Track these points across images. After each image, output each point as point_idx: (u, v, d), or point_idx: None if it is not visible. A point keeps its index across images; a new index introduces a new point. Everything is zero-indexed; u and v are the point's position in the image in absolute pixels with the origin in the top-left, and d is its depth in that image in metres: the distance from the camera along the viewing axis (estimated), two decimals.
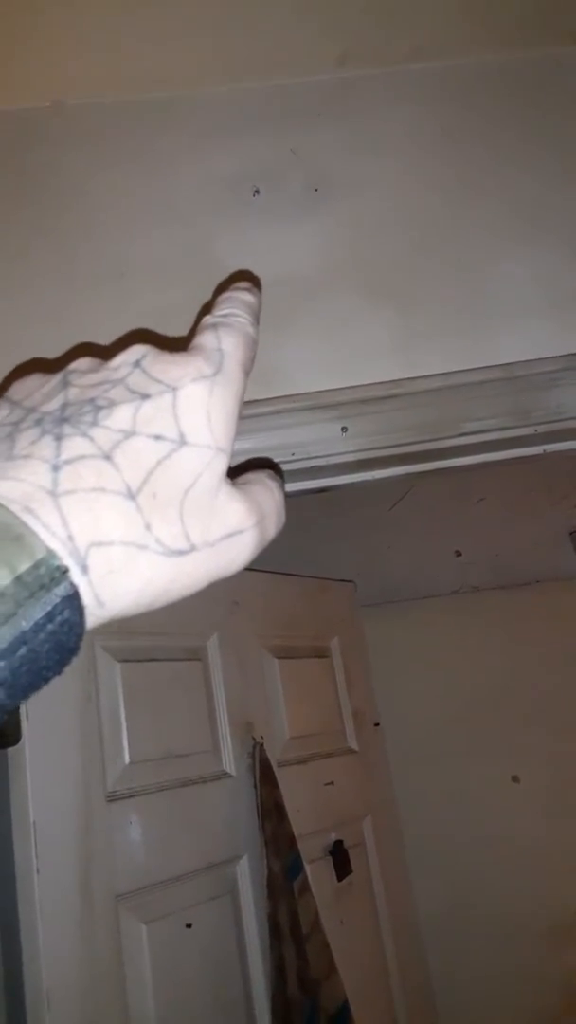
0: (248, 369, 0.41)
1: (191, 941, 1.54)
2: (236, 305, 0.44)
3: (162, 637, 1.67)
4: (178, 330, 1.05)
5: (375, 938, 2.14)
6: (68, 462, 0.32)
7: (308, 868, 1.81)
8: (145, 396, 0.36)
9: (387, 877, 2.24)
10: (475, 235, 1.14)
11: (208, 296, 1.09)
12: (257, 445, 1.06)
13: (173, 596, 0.35)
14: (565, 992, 2.50)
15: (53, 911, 1.27)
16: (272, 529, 0.40)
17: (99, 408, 0.35)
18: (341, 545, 2.53)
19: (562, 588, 2.85)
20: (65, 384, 0.38)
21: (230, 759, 1.79)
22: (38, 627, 0.29)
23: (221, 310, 0.44)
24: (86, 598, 0.31)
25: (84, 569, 0.31)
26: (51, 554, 0.30)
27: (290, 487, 1.14)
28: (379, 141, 1.17)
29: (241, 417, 1.11)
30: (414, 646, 2.84)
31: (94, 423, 0.34)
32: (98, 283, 1.09)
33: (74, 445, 0.33)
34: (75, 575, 0.30)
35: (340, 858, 2.04)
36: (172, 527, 0.34)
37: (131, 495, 0.33)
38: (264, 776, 1.79)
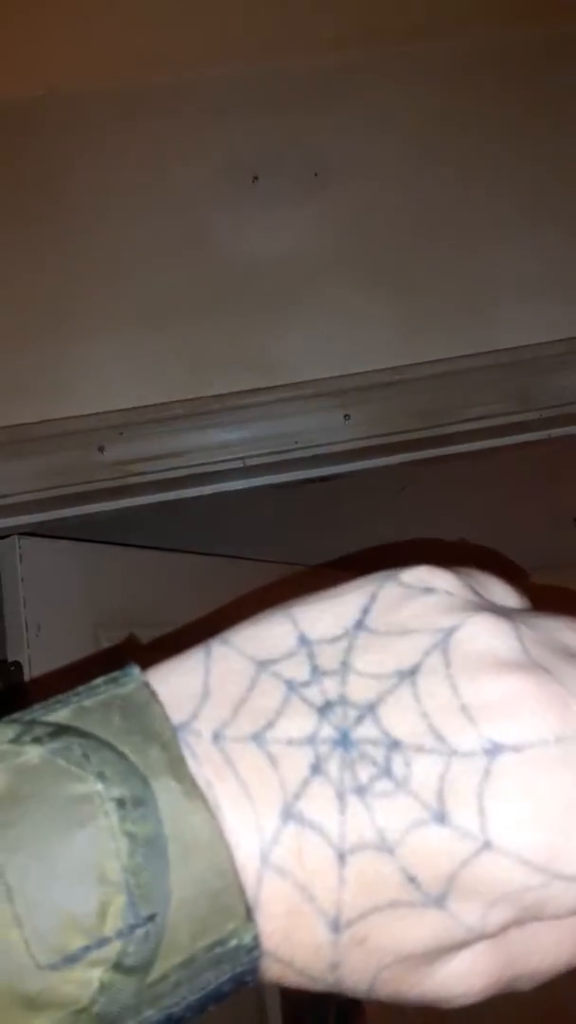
0: None
1: None
2: None
3: (168, 627, 1.67)
4: (172, 318, 1.04)
5: None
6: (353, 852, 0.22)
7: None
8: (454, 751, 0.22)
9: None
10: (477, 218, 1.13)
11: (208, 283, 1.08)
12: (259, 434, 1.05)
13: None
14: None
15: None
16: (521, 988, 0.26)
17: (393, 751, 0.22)
18: (343, 533, 2.52)
19: (567, 574, 2.85)
20: (419, 674, 0.23)
21: None
22: (206, 995, 0.22)
23: None
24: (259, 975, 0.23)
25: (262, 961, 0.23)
26: (252, 942, 0.22)
27: (292, 476, 1.13)
28: (379, 124, 1.16)
29: (241, 407, 1.09)
30: None
31: (364, 802, 0.22)
32: (95, 271, 1.08)
33: (360, 824, 0.22)
34: (256, 956, 0.22)
35: None
36: (364, 976, 0.23)
37: (336, 927, 0.23)
38: None
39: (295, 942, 0.23)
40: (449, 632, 0.23)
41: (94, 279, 1.08)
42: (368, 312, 1.09)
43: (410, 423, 1.06)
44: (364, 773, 0.22)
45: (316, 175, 1.14)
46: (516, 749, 0.22)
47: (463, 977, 0.23)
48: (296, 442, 1.05)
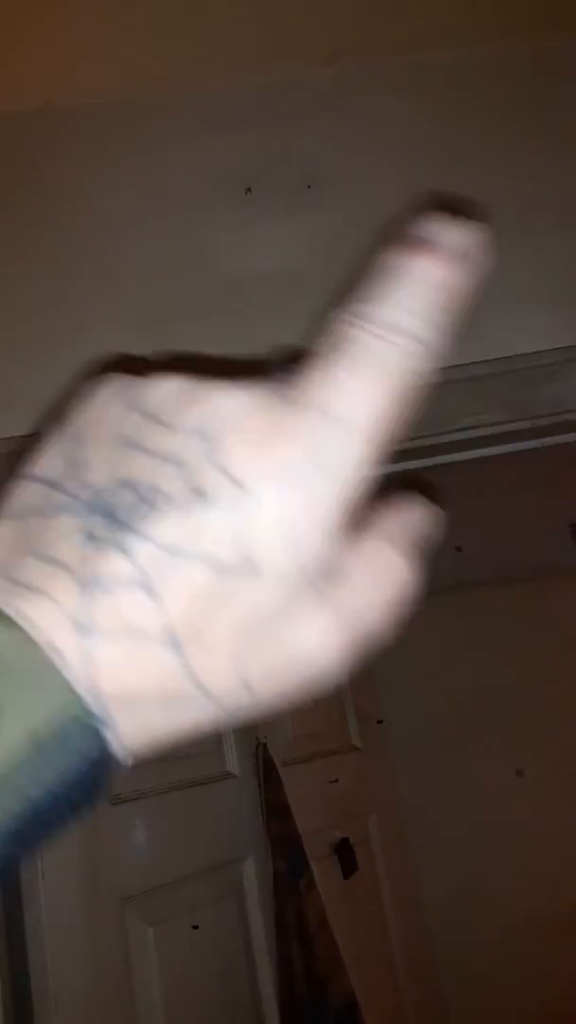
0: (388, 438, 0.27)
1: (198, 942, 1.54)
2: (422, 304, 0.27)
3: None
4: (167, 329, 1.05)
5: (382, 934, 2.14)
6: (99, 584, 0.25)
7: (314, 866, 1.81)
8: (205, 496, 0.25)
9: (393, 873, 2.24)
10: None
11: (202, 295, 1.08)
12: None
13: (229, 726, 0.30)
14: (573, 985, 2.50)
15: (59, 915, 1.27)
16: (376, 639, 0.29)
17: (141, 501, 0.26)
18: None
19: (564, 582, 2.85)
20: (128, 443, 0.28)
21: (233, 759, 1.78)
22: (56, 797, 0.24)
23: (392, 303, 0.27)
24: (113, 754, 0.26)
25: (111, 725, 0.25)
26: (76, 709, 0.24)
27: None
28: (372, 136, 1.17)
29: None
30: (415, 642, 2.83)
31: (133, 528, 0.25)
32: (91, 282, 1.09)
33: (108, 559, 0.25)
34: (100, 731, 0.25)
35: (346, 855, 2.04)
36: (222, 672, 0.26)
37: (173, 639, 0.25)
38: (268, 775, 1.79)
39: (149, 678, 0.25)
40: (220, 426, 0.27)
41: (89, 290, 1.09)
42: None
43: (404, 432, 1.06)
44: (126, 516, 0.26)
45: (309, 187, 1.15)
46: (265, 491, 0.25)
47: (310, 635, 0.26)
48: None
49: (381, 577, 0.28)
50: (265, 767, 1.80)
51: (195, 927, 1.54)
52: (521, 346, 1.08)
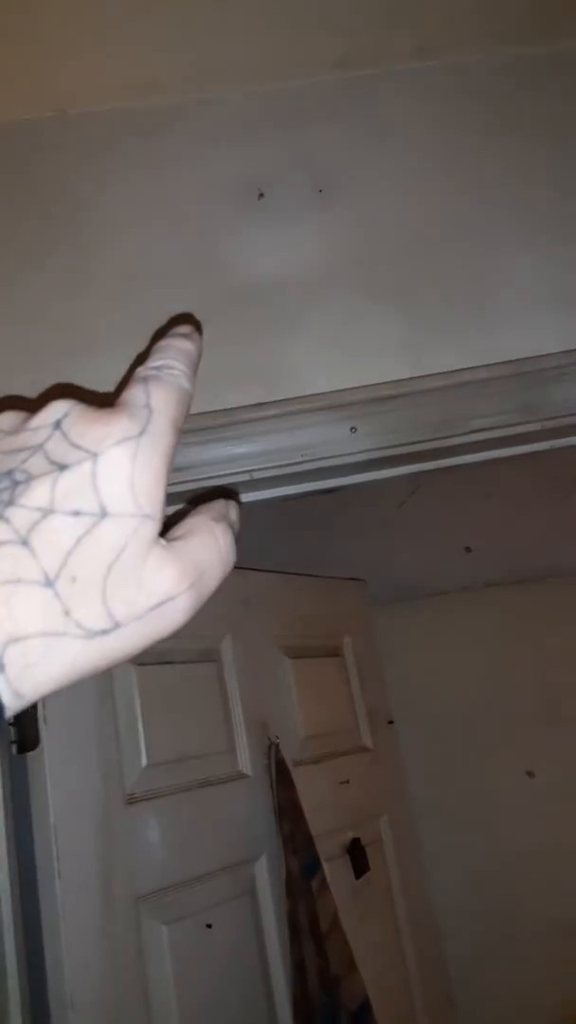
0: (180, 426, 0.38)
1: (211, 941, 1.55)
2: (172, 355, 0.41)
3: (175, 639, 1.68)
4: None
5: (394, 935, 2.15)
6: None
7: (326, 866, 1.82)
8: (63, 466, 0.33)
9: (405, 874, 2.24)
10: (480, 233, 1.15)
11: (215, 301, 1.10)
12: (265, 447, 1.07)
13: (102, 668, 0.34)
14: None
15: (75, 913, 1.28)
16: (213, 582, 0.37)
17: (16, 483, 0.33)
18: (351, 544, 2.53)
19: (573, 582, 2.85)
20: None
21: (246, 759, 1.79)
22: None
23: (155, 360, 0.41)
24: (4, 696, 0.30)
25: (0, 668, 0.30)
26: None
27: (299, 488, 1.15)
28: (383, 141, 1.18)
29: (248, 421, 1.11)
30: (426, 643, 2.84)
31: (10, 502, 0.32)
32: (105, 289, 1.10)
33: None
34: None
35: (358, 856, 2.05)
36: (94, 608, 0.32)
37: (49, 582, 0.31)
38: (280, 776, 1.80)
39: (27, 613, 0.31)
40: (64, 415, 0.36)
41: (103, 296, 1.10)
42: (373, 326, 1.10)
43: (415, 435, 1.07)
44: (8, 495, 0.33)
45: (320, 191, 1.16)
46: (105, 451, 0.34)
47: (164, 579, 0.34)
48: (303, 455, 1.07)
49: (208, 539, 0.37)
50: (278, 767, 1.81)
51: (208, 926, 1.55)
52: (530, 349, 1.09)
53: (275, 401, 1.06)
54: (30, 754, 1.30)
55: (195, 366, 0.42)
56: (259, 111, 1.19)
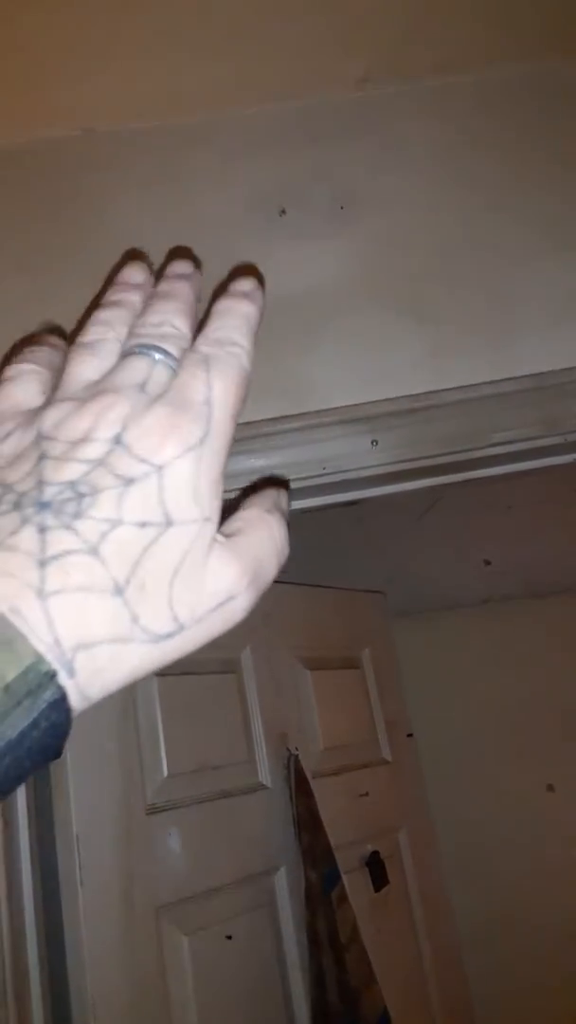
0: (239, 412, 0.38)
1: (231, 952, 1.55)
2: (235, 324, 0.40)
3: (196, 651, 1.69)
4: None
5: (413, 948, 2.14)
6: (55, 558, 0.31)
7: (345, 879, 1.82)
8: (129, 481, 0.34)
9: (424, 887, 2.23)
10: (501, 247, 1.15)
11: None
12: (287, 460, 1.08)
13: (161, 667, 0.34)
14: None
15: (97, 923, 1.29)
16: (271, 575, 0.37)
17: (82, 496, 0.33)
18: (370, 556, 2.54)
19: None
20: (40, 456, 0.35)
21: (266, 771, 1.80)
22: (23, 735, 0.29)
23: (216, 327, 0.40)
24: (73, 699, 0.31)
25: (71, 672, 0.30)
26: (39, 660, 0.30)
27: (320, 500, 1.15)
28: (404, 157, 1.19)
29: (271, 434, 1.12)
30: (445, 656, 2.84)
31: (78, 514, 0.33)
32: None
33: (59, 539, 0.32)
34: (62, 679, 0.30)
35: (377, 869, 2.04)
36: (160, 614, 0.33)
37: (118, 590, 0.32)
38: (300, 787, 1.80)
39: (98, 620, 0.31)
40: (123, 429, 0.36)
41: None
42: (394, 340, 1.11)
43: (437, 448, 1.08)
44: (69, 508, 0.33)
45: (342, 208, 1.17)
46: (170, 464, 0.34)
47: (226, 577, 0.35)
48: (324, 468, 1.08)
49: (264, 532, 0.37)
50: (297, 779, 1.81)
51: (229, 937, 1.55)
52: (551, 362, 1.09)
53: (297, 414, 1.07)
54: (53, 763, 1.31)
55: (256, 331, 0.41)
56: (280, 128, 1.21)
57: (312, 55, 1.17)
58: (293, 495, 1.12)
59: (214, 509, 0.35)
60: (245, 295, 0.42)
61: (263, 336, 1.15)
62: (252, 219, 1.17)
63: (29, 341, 0.44)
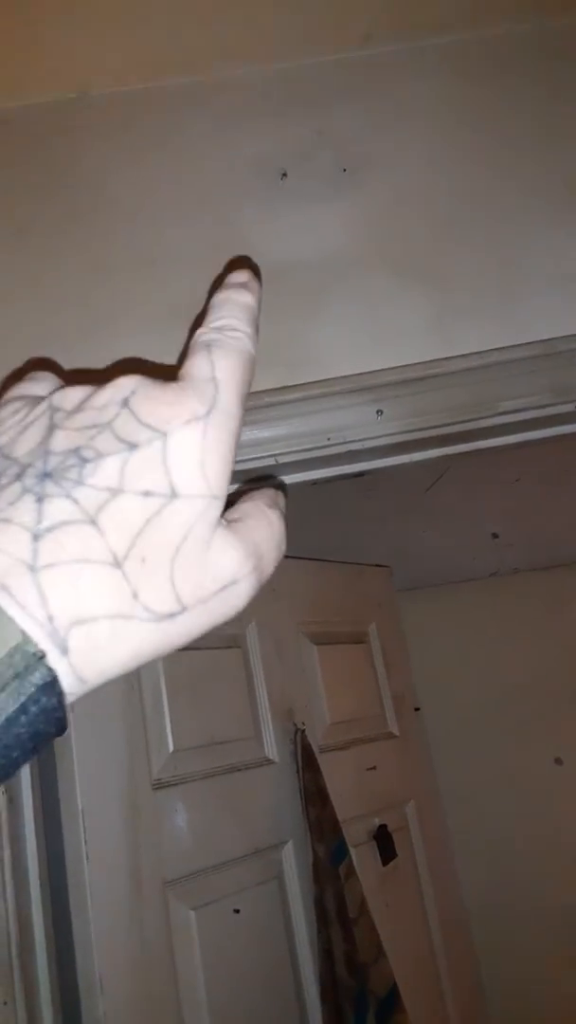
0: (246, 393, 0.37)
1: (239, 926, 1.55)
2: (233, 312, 0.40)
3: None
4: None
5: (421, 921, 2.14)
6: (50, 529, 0.30)
7: (353, 852, 1.81)
8: (133, 446, 0.32)
9: (432, 861, 2.24)
10: (508, 209, 1.12)
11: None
12: (292, 431, 1.05)
13: (164, 653, 0.33)
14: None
15: (103, 898, 1.29)
16: (270, 568, 0.36)
17: (85, 461, 0.32)
18: (376, 529, 2.51)
19: None
20: (51, 427, 0.34)
21: (272, 745, 1.79)
22: (10, 721, 0.27)
23: (216, 318, 0.39)
24: (66, 681, 0.29)
25: (64, 651, 0.29)
26: (26, 639, 0.28)
27: (325, 472, 1.13)
28: (407, 118, 1.16)
29: (273, 404, 1.10)
30: (453, 630, 2.83)
31: (79, 481, 0.31)
32: (127, 271, 1.09)
33: (57, 509, 0.31)
34: (53, 659, 0.28)
35: (384, 842, 2.04)
36: (161, 591, 0.31)
37: (117, 563, 0.30)
38: (307, 762, 1.80)
39: (95, 594, 0.30)
40: (132, 392, 0.35)
41: (123, 279, 1.09)
42: (399, 307, 1.09)
43: (444, 417, 1.05)
44: (71, 475, 0.32)
45: (344, 170, 1.14)
46: (175, 431, 0.33)
47: (230, 560, 0.34)
48: (329, 438, 1.05)
49: (264, 523, 0.36)
50: (304, 753, 1.80)
51: (236, 911, 1.55)
52: (561, 328, 1.06)
53: (300, 384, 1.05)
54: (57, 739, 1.30)
55: (257, 321, 0.41)
56: (281, 89, 1.17)
57: (313, 13, 1.13)
58: (297, 467, 1.10)
59: (222, 488, 0.34)
60: (242, 285, 0.42)
61: (265, 304, 1.12)
62: (253, 183, 1.13)
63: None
